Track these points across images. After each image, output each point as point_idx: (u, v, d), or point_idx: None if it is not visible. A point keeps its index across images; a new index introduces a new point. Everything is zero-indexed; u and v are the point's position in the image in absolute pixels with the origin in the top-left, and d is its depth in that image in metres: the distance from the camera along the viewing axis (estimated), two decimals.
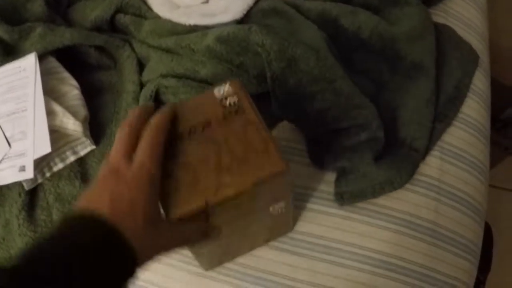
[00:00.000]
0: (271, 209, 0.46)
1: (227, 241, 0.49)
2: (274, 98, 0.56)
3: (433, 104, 0.59)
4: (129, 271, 0.33)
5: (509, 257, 1.03)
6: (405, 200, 0.56)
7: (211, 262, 0.54)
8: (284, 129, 0.61)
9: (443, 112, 0.60)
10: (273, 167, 0.40)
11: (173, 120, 0.42)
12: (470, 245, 0.58)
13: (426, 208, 0.56)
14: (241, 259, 0.55)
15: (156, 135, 0.38)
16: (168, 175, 0.40)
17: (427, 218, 0.56)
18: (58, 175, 0.57)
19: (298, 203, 0.56)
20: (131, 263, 0.33)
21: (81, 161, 0.58)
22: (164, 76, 0.58)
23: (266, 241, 0.55)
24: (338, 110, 0.54)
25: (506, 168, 1.15)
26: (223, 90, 0.43)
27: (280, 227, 0.54)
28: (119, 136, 0.38)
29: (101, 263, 0.31)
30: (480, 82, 0.65)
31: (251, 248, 0.55)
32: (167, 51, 0.60)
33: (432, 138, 0.58)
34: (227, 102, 0.43)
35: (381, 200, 0.56)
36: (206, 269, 0.54)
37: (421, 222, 0.56)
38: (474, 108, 0.63)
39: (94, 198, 0.35)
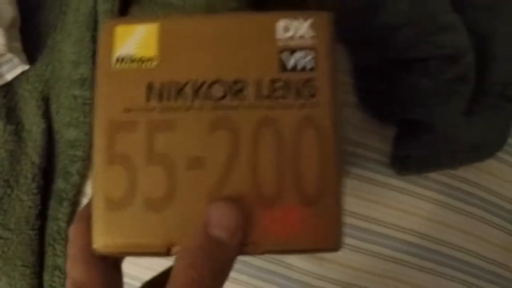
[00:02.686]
0: None
1: None
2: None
3: None
4: None
5: None
6: (486, 172, 0.40)
7: None
8: None
9: None
10: (317, 238, 0.22)
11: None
12: None
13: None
14: None
15: None
16: (128, 162, 0.22)
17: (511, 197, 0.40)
18: None
19: None
20: None
21: (7, 89, 0.38)
22: None
23: None
24: (416, 30, 0.35)
25: None
26: (294, 27, 0.23)
27: None
28: None
29: None
30: None
31: None
32: None
33: None
34: (293, 61, 0.23)
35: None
36: None
37: (502, 203, 0.40)
38: None
39: None
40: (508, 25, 0.40)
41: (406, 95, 0.36)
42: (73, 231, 0.22)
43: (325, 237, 0.22)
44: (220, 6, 0.35)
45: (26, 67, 0.37)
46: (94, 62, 0.37)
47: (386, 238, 0.38)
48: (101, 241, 0.22)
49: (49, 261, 0.38)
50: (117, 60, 0.23)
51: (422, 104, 0.35)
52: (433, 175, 0.39)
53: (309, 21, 0.23)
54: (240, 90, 0.22)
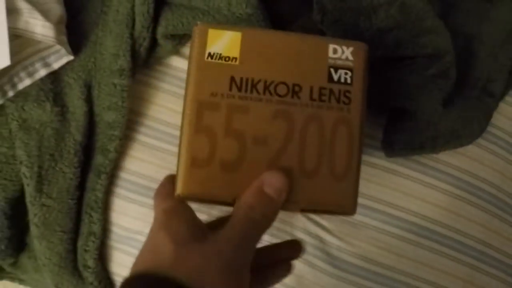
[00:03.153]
0: None
1: None
2: (319, 6, 0.41)
3: None
4: None
5: None
6: (468, 156, 0.45)
7: None
8: None
9: None
10: (340, 204, 0.30)
11: (262, 52, 0.31)
12: None
13: (492, 169, 0.45)
14: None
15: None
16: (211, 133, 0.29)
17: (492, 181, 0.45)
18: (24, 95, 0.43)
19: None
20: None
21: (54, 76, 0.43)
22: None
23: None
24: (404, 32, 0.41)
25: None
26: (341, 51, 0.31)
27: None
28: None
29: None
30: None
31: None
32: None
33: (510, 81, 0.46)
34: (337, 76, 0.31)
35: (439, 154, 0.44)
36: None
37: (484, 186, 0.45)
38: None
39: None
40: (491, 29, 0.45)
41: (396, 88, 0.41)
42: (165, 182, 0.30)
43: (346, 204, 0.30)
44: (237, 10, 0.41)
45: (71, 57, 0.43)
46: (131, 55, 0.42)
47: (376, 212, 0.44)
48: (184, 190, 0.29)
49: (85, 228, 0.43)
50: (208, 55, 0.30)
51: (408, 96, 0.41)
52: (416, 157, 0.44)
53: (351, 48, 0.31)
54: (298, 92, 0.30)
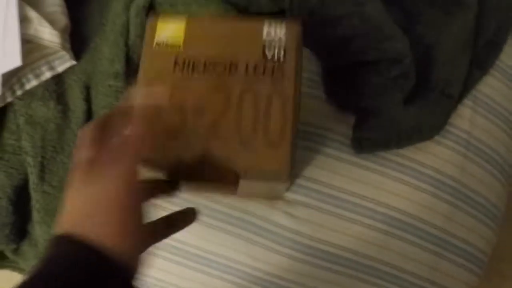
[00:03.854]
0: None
1: None
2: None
3: (470, 47, 0.51)
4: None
5: None
6: (431, 153, 0.49)
7: None
8: None
9: (480, 57, 0.52)
10: (275, 169, 0.33)
11: (204, 37, 0.36)
12: (492, 209, 0.52)
13: (452, 164, 0.50)
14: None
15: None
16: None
17: (452, 175, 0.49)
18: (31, 94, 0.48)
19: (310, 144, 0.48)
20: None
21: (58, 78, 0.49)
22: None
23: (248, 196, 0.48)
24: (366, 39, 0.46)
25: None
26: (274, 31, 0.35)
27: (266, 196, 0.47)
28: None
29: None
30: None
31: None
32: None
33: (467, 85, 0.51)
34: (271, 53, 0.35)
35: (404, 150, 0.49)
36: None
37: (445, 180, 0.49)
38: None
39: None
40: (447, 39, 0.51)
41: (361, 89, 0.47)
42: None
43: (281, 169, 0.33)
44: None
45: (74, 62, 0.49)
46: (126, 61, 0.48)
47: (349, 203, 0.48)
48: None
49: None
50: (157, 44, 0.35)
51: (373, 96, 0.46)
52: (384, 153, 0.49)
53: (284, 27, 0.35)
54: (234, 69, 0.34)
